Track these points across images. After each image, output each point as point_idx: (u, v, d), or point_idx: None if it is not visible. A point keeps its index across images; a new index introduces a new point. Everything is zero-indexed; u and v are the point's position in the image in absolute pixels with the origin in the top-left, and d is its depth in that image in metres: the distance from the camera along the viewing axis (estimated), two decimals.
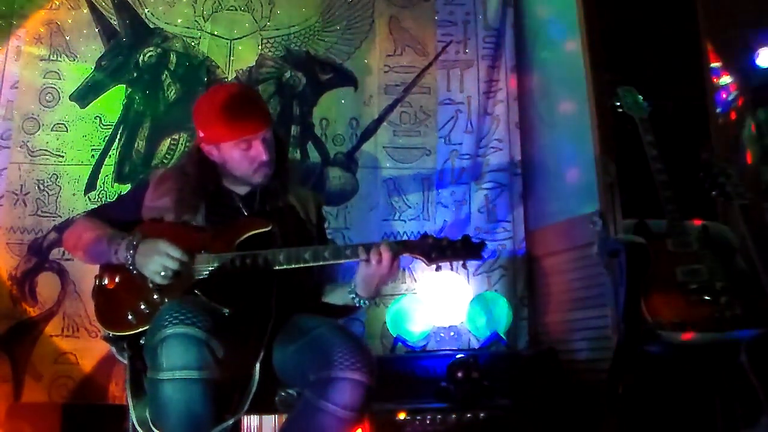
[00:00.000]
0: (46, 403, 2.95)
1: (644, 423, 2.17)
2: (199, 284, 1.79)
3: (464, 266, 1.87)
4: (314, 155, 3.35)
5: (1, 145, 3.15)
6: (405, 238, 3.20)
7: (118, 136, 3.24)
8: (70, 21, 3.30)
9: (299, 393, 1.77)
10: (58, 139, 3.20)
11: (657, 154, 2.33)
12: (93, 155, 3.20)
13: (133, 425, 1.71)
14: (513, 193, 3.38)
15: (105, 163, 3.20)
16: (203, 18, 3.39)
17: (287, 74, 3.40)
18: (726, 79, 3.39)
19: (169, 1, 3.39)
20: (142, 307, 1.78)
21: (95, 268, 1.97)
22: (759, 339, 1.91)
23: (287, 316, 1.87)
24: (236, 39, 3.40)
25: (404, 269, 3.23)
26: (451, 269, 3.15)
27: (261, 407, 1.82)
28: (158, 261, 1.76)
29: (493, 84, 3.48)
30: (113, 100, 3.27)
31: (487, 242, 1.81)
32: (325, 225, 2.20)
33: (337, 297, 1.98)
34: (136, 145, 3.25)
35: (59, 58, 3.27)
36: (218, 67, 3.36)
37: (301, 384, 1.74)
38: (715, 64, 3.26)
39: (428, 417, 2.53)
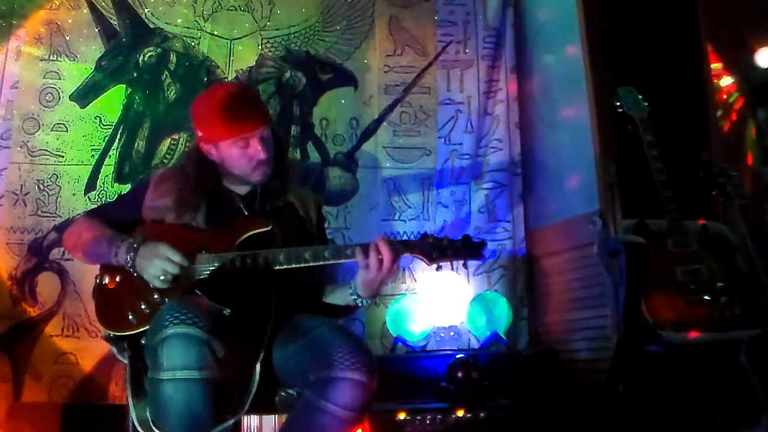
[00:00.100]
0: (46, 403, 2.95)
1: (644, 423, 2.17)
2: (200, 284, 1.79)
3: (465, 266, 1.87)
4: (314, 155, 3.35)
5: (1, 145, 3.15)
6: (405, 238, 3.20)
7: (118, 136, 3.25)
8: (70, 21, 3.30)
9: (299, 393, 1.77)
10: (58, 139, 3.20)
11: (657, 154, 2.33)
12: (93, 155, 3.21)
13: (133, 425, 1.71)
14: (513, 193, 3.39)
15: (105, 163, 3.21)
16: (203, 18, 3.39)
17: (287, 74, 3.40)
18: (726, 80, 3.39)
19: (169, 1, 3.39)
20: (143, 307, 1.78)
21: (95, 268, 1.96)
22: (759, 339, 1.91)
23: (287, 316, 1.87)
24: (236, 39, 3.40)
25: (404, 269, 3.23)
26: (452, 269, 3.15)
27: (261, 407, 1.82)
28: (158, 265, 1.76)
29: (493, 84, 3.49)
30: (113, 100, 3.27)
31: (487, 242, 1.81)
32: (325, 225, 2.19)
33: (337, 297, 1.98)
34: (136, 145, 3.25)
35: (59, 58, 3.27)
36: (218, 67, 3.36)
37: (301, 384, 1.74)
38: (715, 65, 3.26)
39: (428, 417, 2.53)
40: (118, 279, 1.88)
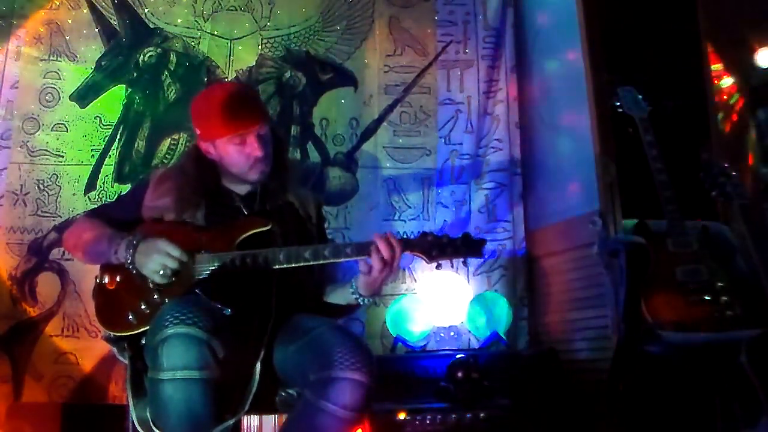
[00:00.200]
0: (46, 403, 2.95)
1: (644, 423, 2.16)
2: (200, 284, 1.79)
3: (465, 264, 1.86)
4: (314, 155, 3.35)
5: (1, 145, 3.15)
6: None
7: (118, 136, 3.24)
8: (70, 21, 3.30)
9: (299, 393, 1.77)
10: (58, 139, 3.20)
11: (657, 154, 2.33)
12: (93, 155, 3.20)
13: (134, 425, 1.71)
14: (513, 193, 3.39)
15: (105, 163, 3.20)
16: (203, 18, 3.39)
17: (287, 74, 3.40)
18: (727, 80, 3.39)
19: (169, 1, 3.39)
20: (143, 307, 1.78)
21: (95, 268, 1.96)
22: (759, 339, 1.91)
23: (287, 316, 1.87)
24: (236, 39, 3.40)
25: (404, 269, 3.23)
26: (452, 268, 3.15)
27: (261, 407, 1.82)
28: (158, 260, 1.76)
29: (493, 84, 3.49)
30: (113, 100, 3.27)
31: (486, 240, 1.81)
32: (325, 225, 2.20)
33: (338, 296, 1.98)
34: (136, 145, 3.25)
35: (59, 59, 3.26)
36: (218, 67, 3.36)
37: (301, 384, 1.74)
38: (715, 66, 3.26)
39: (428, 417, 2.53)
40: (118, 279, 1.88)
